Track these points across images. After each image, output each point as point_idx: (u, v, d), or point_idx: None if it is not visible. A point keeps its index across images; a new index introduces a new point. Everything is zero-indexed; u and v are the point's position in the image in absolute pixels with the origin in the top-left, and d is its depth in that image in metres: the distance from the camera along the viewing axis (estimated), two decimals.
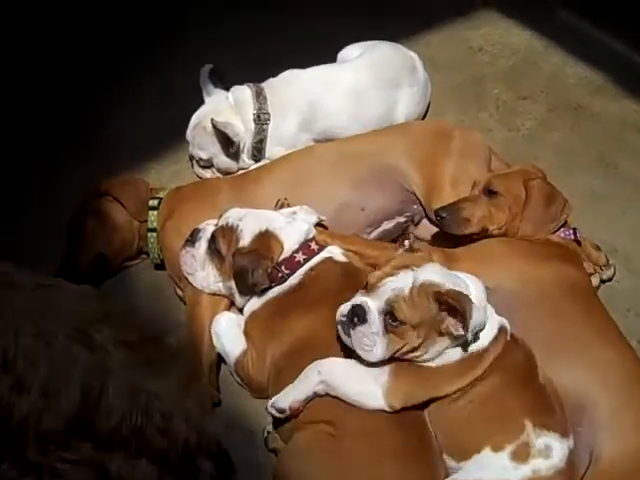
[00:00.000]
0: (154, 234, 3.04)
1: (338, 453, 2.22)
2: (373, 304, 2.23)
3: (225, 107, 3.28)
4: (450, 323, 2.19)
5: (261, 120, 3.26)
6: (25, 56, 4.12)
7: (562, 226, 2.74)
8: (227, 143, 3.23)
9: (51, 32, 4.24)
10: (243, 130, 3.26)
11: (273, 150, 3.30)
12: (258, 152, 3.31)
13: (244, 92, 3.30)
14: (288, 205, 2.82)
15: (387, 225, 3.03)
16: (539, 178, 2.81)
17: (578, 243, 2.78)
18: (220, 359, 2.72)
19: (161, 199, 3.08)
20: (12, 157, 3.66)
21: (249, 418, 2.67)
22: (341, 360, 2.34)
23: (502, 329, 2.33)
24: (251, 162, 3.35)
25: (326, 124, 3.30)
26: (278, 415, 2.33)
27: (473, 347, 2.27)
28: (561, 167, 3.40)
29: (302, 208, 2.78)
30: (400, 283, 2.21)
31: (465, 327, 2.15)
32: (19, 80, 4.01)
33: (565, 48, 3.99)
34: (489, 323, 2.29)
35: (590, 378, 2.38)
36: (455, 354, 2.27)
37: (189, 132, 3.31)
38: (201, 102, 3.37)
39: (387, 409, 2.26)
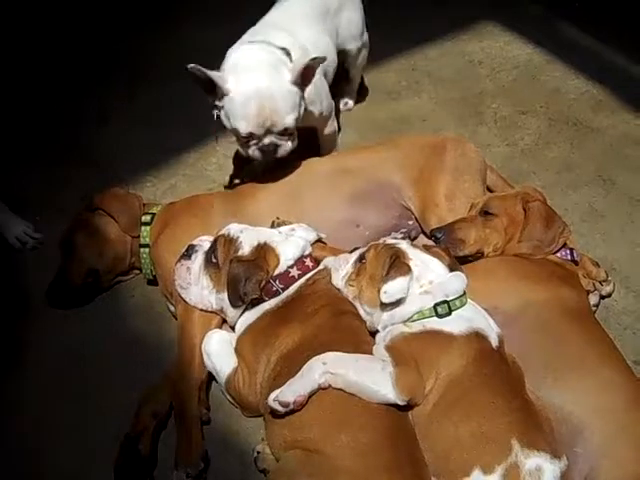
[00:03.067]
0: (147, 250, 3.02)
1: (328, 472, 2.16)
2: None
3: (268, 64, 2.86)
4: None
5: (290, 57, 2.95)
6: (21, 64, 4.13)
7: (560, 248, 2.73)
8: (306, 81, 2.88)
9: (48, 38, 4.28)
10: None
11: None
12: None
13: (253, 48, 2.94)
14: (284, 223, 2.81)
15: None
16: (538, 200, 2.79)
17: (575, 263, 2.76)
18: (211, 377, 2.70)
19: (154, 214, 3.08)
20: (7, 166, 3.68)
21: (240, 438, 2.65)
22: (345, 353, 2.32)
23: (479, 334, 2.32)
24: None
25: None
26: (281, 410, 2.25)
27: (433, 324, 2.32)
28: (560, 183, 3.41)
29: (301, 226, 2.78)
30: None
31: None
32: (15, 88, 4.02)
33: (566, 62, 3.99)
34: (458, 315, 2.35)
35: (588, 401, 2.33)
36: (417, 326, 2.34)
37: (262, 117, 2.84)
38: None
39: (397, 400, 2.23)
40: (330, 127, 3.38)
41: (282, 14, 3.26)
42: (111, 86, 3.93)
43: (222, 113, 2.92)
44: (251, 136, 2.91)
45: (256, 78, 2.83)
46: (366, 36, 3.64)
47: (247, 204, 3.00)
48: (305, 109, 3.01)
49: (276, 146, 2.95)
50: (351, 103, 3.97)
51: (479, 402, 2.23)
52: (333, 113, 3.35)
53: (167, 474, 2.52)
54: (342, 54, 3.51)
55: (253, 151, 2.98)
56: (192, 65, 2.78)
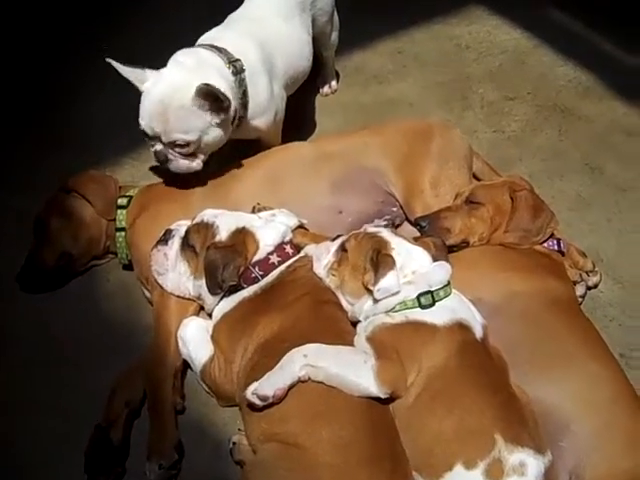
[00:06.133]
0: (122, 233, 2.95)
1: (307, 467, 2.12)
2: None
3: (187, 75, 2.73)
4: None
5: (237, 69, 2.84)
6: None
7: (547, 238, 2.69)
8: (217, 108, 2.71)
9: (19, 12, 4.12)
10: (225, 87, 2.75)
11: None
12: (244, 109, 2.91)
13: (198, 53, 2.84)
14: (264, 209, 2.75)
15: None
16: (525, 189, 2.74)
17: (562, 254, 2.72)
18: (186, 365, 2.64)
19: (131, 197, 3.00)
20: None
21: (215, 428, 2.59)
22: (326, 345, 2.27)
23: (463, 325, 2.28)
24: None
25: (280, 59, 3.07)
26: (260, 403, 2.20)
27: (416, 315, 2.28)
28: (546, 171, 3.36)
29: (281, 211, 2.72)
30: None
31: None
32: None
33: (555, 48, 3.94)
34: (442, 305, 2.31)
35: (574, 394, 2.29)
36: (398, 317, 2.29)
37: (156, 121, 2.73)
38: None
39: (378, 393, 2.19)
40: (274, 142, 3.22)
41: (252, 9, 3.16)
42: (88, 59, 3.80)
43: None
44: (145, 135, 2.81)
45: (168, 82, 2.73)
46: (336, 16, 3.58)
47: (228, 189, 2.93)
48: (251, 114, 2.95)
49: (167, 159, 2.83)
50: (334, 83, 3.90)
51: (462, 395, 2.19)
52: (281, 126, 3.23)
53: (140, 465, 2.45)
54: (315, 42, 3.43)
55: (153, 156, 2.88)
56: (110, 60, 2.74)
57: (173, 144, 2.77)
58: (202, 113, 2.72)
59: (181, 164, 2.84)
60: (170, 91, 2.71)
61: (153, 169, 3.33)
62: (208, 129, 2.78)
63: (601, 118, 3.59)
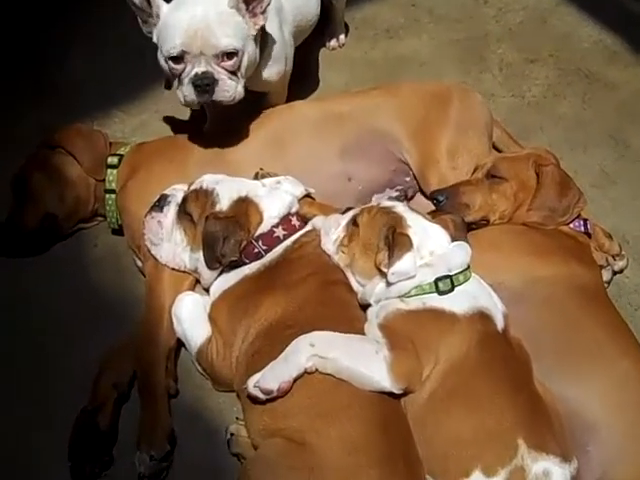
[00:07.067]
0: (112, 196, 2.79)
1: (313, 466, 1.98)
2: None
3: None
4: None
5: None
6: None
7: (574, 219, 2.55)
8: (252, 9, 2.56)
9: None
10: None
11: None
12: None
13: None
14: (268, 175, 2.59)
15: (378, 200, 2.74)
16: (552, 164, 2.58)
17: (588, 236, 2.58)
18: (181, 344, 2.49)
19: (122, 156, 2.84)
20: None
21: (211, 414, 2.45)
22: (334, 333, 2.13)
23: (484, 314, 2.14)
24: None
25: (287, 3, 2.89)
26: (263, 397, 2.06)
27: (433, 301, 2.14)
28: (568, 141, 3.20)
29: (287, 178, 2.57)
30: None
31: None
32: None
33: (579, 6, 3.73)
34: (461, 291, 2.17)
35: (603, 394, 2.15)
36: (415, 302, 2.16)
37: (196, 35, 2.48)
38: None
39: (392, 388, 2.05)
40: (282, 97, 3.06)
41: None
42: (75, 7, 3.65)
43: (155, 37, 2.59)
44: (183, 60, 2.52)
45: (193, 4, 2.51)
46: None
47: (229, 152, 2.75)
48: (263, 63, 2.74)
49: (214, 80, 2.53)
50: (342, 37, 3.68)
51: (482, 394, 2.06)
52: (288, 80, 3.04)
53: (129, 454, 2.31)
54: None
55: (187, 89, 2.55)
56: None
57: (219, 57, 2.52)
58: (241, 18, 2.54)
59: (229, 84, 2.55)
60: (201, 7, 2.50)
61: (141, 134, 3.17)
62: (248, 39, 2.57)
63: (627, 86, 3.40)
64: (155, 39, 2.59)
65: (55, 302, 2.73)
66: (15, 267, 2.83)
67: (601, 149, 3.17)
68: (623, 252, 2.73)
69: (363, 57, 3.62)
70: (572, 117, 3.30)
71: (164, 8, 2.55)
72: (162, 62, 2.60)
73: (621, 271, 2.73)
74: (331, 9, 3.49)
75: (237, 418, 2.34)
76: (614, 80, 3.42)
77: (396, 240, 2.13)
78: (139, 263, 2.71)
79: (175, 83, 2.62)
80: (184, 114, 3.32)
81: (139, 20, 2.60)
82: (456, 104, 2.81)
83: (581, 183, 2.69)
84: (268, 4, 2.56)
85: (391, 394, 2.07)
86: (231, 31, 2.51)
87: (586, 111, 3.31)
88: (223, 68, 2.54)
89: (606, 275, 2.64)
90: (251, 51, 2.60)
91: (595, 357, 2.21)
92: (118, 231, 2.85)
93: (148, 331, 2.46)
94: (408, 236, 2.16)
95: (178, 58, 2.51)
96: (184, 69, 2.53)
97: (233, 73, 2.56)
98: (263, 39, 2.72)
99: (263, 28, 2.67)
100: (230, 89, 2.56)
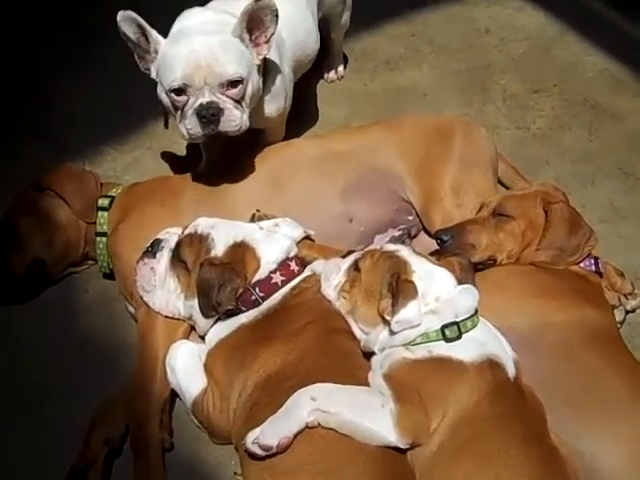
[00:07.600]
0: (103, 239, 2.74)
1: None
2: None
3: (215, 15, 2.60)
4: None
5: None
6: None
7: (584, 258, 2.48)
8: (255, 39, 2.56)
9: None
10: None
11: None
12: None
13: (207, 9, 2.69)
14: (265, 217, 2.53)
15: (380, 241, 2.72)
16: (561, 201, 2.52)
17: (600, 275, 2.50)
18: (175, 395, 2.42)
19: (113, 198, 2.79)
20: None
21: (208, 468, 2.37)
22: (337, 385, 2.07)
23: (494, 362, 2.07)
24: None
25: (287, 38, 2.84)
26: (262, 453, 1.97)
27: (440, 350, 2.06)
28: (575, 175, 3.15)
29: (285, 220, 2.51)
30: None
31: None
32: None
33: (584, 35, 3.71)
34: (469, 338, 2.09)
35: (622, 449, 2.06)
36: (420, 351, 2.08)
37: (199, 65, 2.45)
38: None
39: (398, 443, 1.97)
40: (280, 134, 3.01)
41: None
42: (65, 42, 3.64)
43: (154, 72, 2.55)
44: (187, 92, 2.47)
45: (193, 36, 2.49)
46: None
47: (223, 193, 2.70)
48: (263, 99, 2.71)
49: (219, 110, 2.48)
50: (341, 68, 3.64)
51: (493, 447, 1.97)
52: (286, 117, 3.00)
53: None
54: (324, 22, 3.19)
55: (191, 121, 2.50)
56: (124, 13, 2.44)
57: (224, 85, 2.48)
58: (244, 48, 2.53)
59: (234, 114, 2.51)
60: (208, 29, 2.51)
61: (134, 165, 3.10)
62: (252, 68, 2.55)
63: (635, 116, 3.36)
64: (154, 74, 2.55)
65: (45, 349, 2.67)
66: (3, 312, 2.76)
67: (610, 182, 3.11)
68: (636, 290, 2.65)
69: (363, 89, 3.59)
70: (579, 149, 3.25)
71: (162, 43, 2.52)
72: (163, 96, 2.55)
73: (634, 310, 2.65)
74: (329, 41, 3.46)
75: (235, 473, 2.29)
76: (621, 110, 3.38)
77: (400, 287, 2.06)
78: (131, 309, 2.64)
79: (177, 117, 2.55)
80: (178, 151, 3.28)
81: (136, 57, 2.55)
82: (459, 139, 2.77)
83: (590, 218, 2.64)
84: (272, 34, 2.54)
85: (397, 448, 1.99)
86: (235, 59, 2.49)
87: (593, 143, 3.27)
88: (228, 97, 2.50)
89: (619, 315, 2.56)
90: (255, 81, 2.58)
91: (611, 406, 2.13)
92: (110, 275, 2.79)
93: (141, 382, 2.39)
94: (413, 283, 2.08)
95: (180, 90, 2.46)
96: (187, 101, 2.48)
97: (238, 102, 2.53)
98: (264, 72, 2.67)
99: (264, 60, 2.63)
100: (236, 119, 2.52)
